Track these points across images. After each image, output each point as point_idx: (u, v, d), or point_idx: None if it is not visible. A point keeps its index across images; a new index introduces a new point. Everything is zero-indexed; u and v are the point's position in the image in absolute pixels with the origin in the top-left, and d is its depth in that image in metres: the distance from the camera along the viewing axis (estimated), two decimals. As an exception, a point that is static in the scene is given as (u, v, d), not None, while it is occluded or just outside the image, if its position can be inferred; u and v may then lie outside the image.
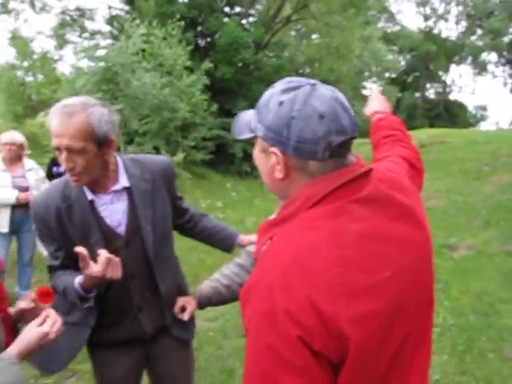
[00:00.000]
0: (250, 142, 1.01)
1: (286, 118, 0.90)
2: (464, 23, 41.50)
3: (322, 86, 0.94)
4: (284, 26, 18.43)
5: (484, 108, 51.43)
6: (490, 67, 46.20)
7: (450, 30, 69.34)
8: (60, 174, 4.27)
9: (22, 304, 1.36)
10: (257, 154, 1.02)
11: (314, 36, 19.95)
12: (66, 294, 1.62)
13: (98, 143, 1.54)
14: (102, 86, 9.46)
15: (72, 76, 10.62)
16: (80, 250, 1.47)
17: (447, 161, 13.29)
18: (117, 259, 1.53)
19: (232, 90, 15.71)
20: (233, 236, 2.11)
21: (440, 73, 45.20)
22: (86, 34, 22.33)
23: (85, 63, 10.61)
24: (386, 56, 19.28)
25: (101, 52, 10.89)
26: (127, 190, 1.71)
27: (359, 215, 0.90)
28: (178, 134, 11.36)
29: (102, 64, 9.62)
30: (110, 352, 1.81)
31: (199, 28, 16.41)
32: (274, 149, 0.93)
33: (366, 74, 33.61)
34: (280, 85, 0.96)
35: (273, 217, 1.01)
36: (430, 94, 46.85)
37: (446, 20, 41.70)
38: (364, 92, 32.58)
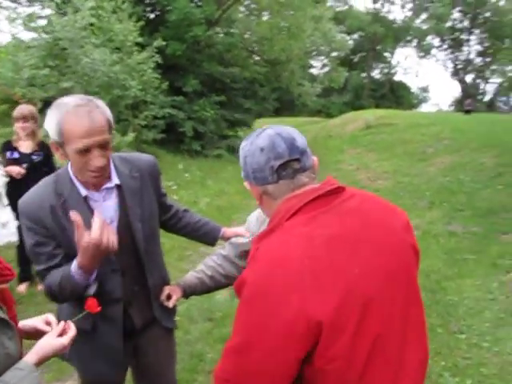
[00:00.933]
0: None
1: (243, 157, 1.22)
2: (410, 6, 42.68)
3: (274, 128, 1.20)
4: (235, 3, 18.14)
5: (426, 90, 53.61)
6: (434, 51, 48.08)
7: (396, 12, 70.92)
8: (14, 160, 4.08)
9: (38, 324, 1.34)
10: None
11: (265, 14, 19.78)
12: (62, 288, 1.59)
13: (111, 132, 1.62)
14: (48, 61, 9.00)
15: (11, 48, 9.94)
16: (74, 216, 1.46)
17: (393, 142, 13.83)
18: (110, 226, 1.55)
19: (182, 68, 15.41)
20: (216, 229, 2.17)
21: (386, 54, 46.38)
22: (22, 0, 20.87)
23: (26, 35, 9.99)
24: (336, 36, 19.47)
25: (41, 22, 10.29)
26: (117, 187, 1.74)
27: (329, 222, 1.09)
28: (128, 112, 11.05)
29: (46, 37, 9.10)
30: None
31: (148, 1, 15.87)
32: (245, 183, 1.25)
33: (314, 53, 33.88)
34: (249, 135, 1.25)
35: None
36: (376, 74, 48.08)
37: (393, 3, 42.75)
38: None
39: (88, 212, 1.64)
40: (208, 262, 2.12)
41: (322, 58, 38.04)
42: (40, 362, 1.19)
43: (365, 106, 38.52)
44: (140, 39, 11.08)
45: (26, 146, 4.17)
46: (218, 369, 1.12)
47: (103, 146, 1.55)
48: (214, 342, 3.64)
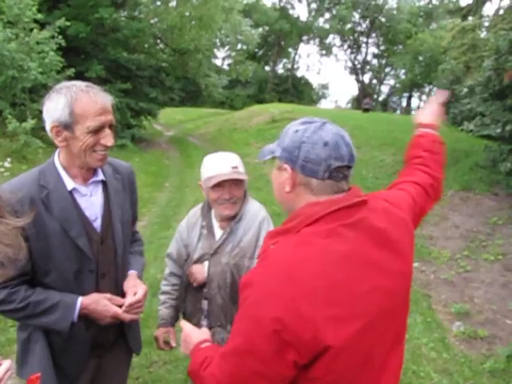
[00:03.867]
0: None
1: (298, 141, 1.14)
2: (314, 6, 44.42)
3: (331, 124, 1.18)
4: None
5: (326, 87, 56.28)
6: (335, 50, 50.68)
7: (301, 10, 73.81)
8: None
9: None
10: (274, 171, 1.24)
11: (174, 3, 19.29)
12: (48, 311, 1.52)
13: None
14: None
15: None
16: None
17: (299, 137, 14.25)
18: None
19: (85, 51, 14.52)
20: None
21: (290, 50, 47.79)
22: None
23: None
24: (244, 30, 19.59)
25: None
26: (103, 183, 1.68)
27: (347, 238, 1.10)
28: (25, 96, 10.11)
29: None
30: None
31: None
32: (286, 165, 1.17)
33: (219, 44, 33.90)
34: (299, 120, 1.21)
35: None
36: (280, 69, 49.41)
37: (300, 1, 44.16)
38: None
39: (73, 207, 1.56)
40: (164, 289, 2.25)
41: (226, 49, 38.23)
42: None
43: (268, 99, 39.45)
44: (39, 16, 10.18)
45: None
46: (211, 374, 1.11)
47: (111, 126, 1.54)
48: (140, 346, 3.48)
